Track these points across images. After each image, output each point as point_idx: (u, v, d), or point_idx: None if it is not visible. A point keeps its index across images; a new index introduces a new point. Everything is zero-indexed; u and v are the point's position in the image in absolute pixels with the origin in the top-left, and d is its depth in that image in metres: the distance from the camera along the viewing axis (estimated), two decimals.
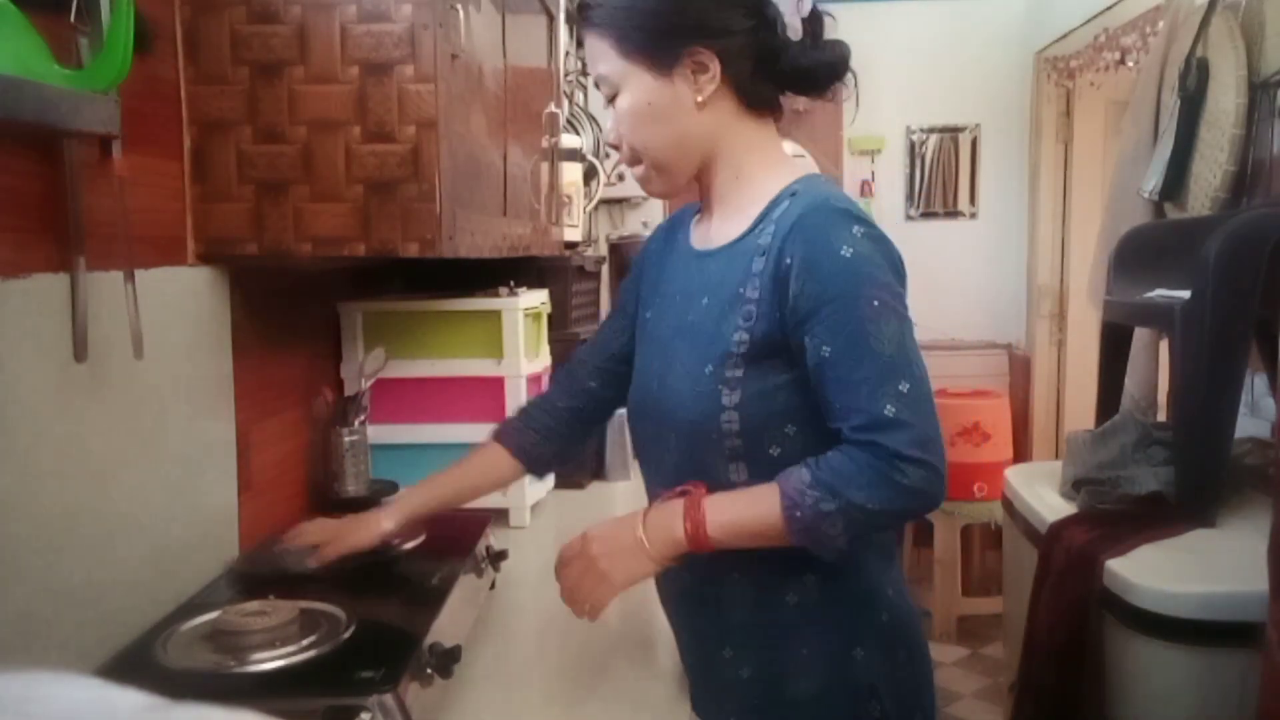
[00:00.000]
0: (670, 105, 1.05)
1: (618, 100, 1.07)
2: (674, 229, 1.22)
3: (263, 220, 1.32)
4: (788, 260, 0.98)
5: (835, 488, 0.94)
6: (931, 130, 4.21)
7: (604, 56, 1.07)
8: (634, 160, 1.11)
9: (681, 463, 1.07)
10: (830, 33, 1.08)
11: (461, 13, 1.37)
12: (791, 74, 1.06)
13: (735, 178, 1.09)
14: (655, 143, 1.08)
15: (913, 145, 4.22)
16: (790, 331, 0.99)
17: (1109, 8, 3.18)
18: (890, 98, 4.16)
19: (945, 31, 4.10)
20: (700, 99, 1.04)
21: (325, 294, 1.82)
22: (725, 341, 1.02)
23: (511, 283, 1.91)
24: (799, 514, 0.95)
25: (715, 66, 1.04)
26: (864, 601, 1.07)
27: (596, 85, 1.10)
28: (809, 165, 1.18)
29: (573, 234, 2.51)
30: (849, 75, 1.09)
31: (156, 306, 1.18)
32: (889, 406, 0.94)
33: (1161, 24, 2.67)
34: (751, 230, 1.05)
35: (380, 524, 1.26)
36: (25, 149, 0.99)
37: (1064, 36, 3.62)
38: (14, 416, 0.96)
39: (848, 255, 0.97)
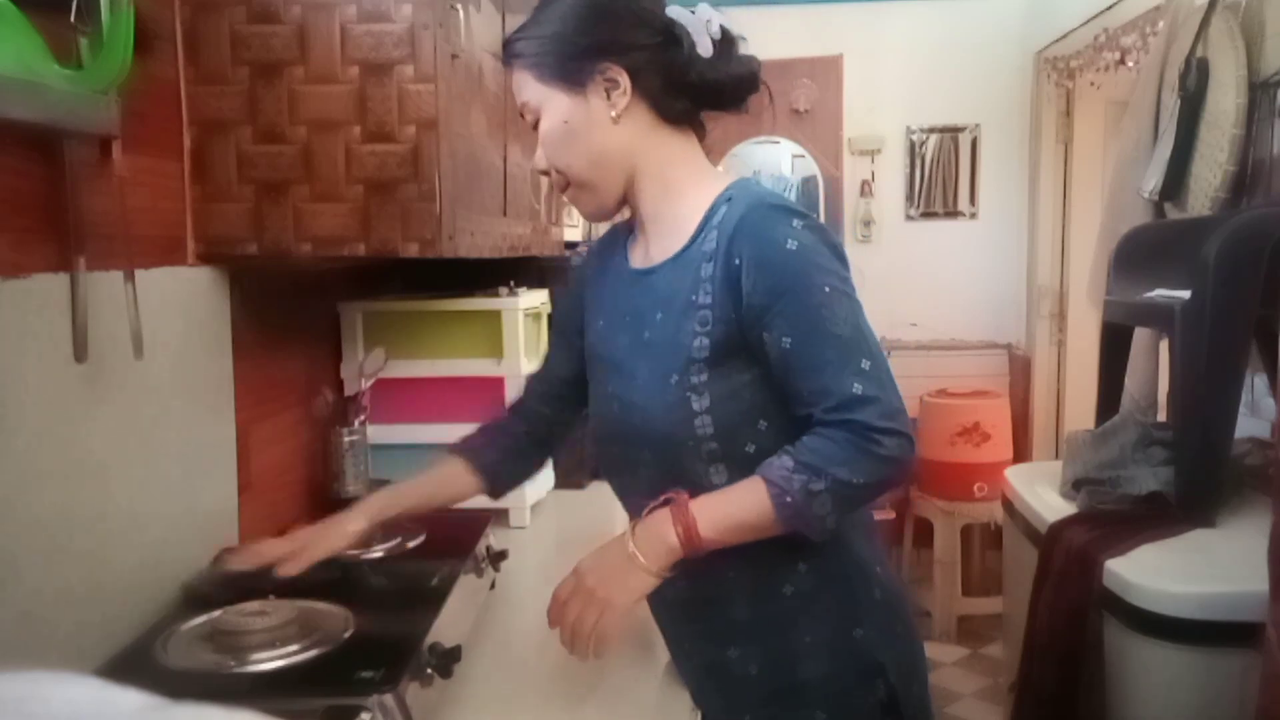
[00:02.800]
0: (585, 122, 1.08)
1: (540, 124, 1.11)
2: (606, 252, 1.24)
3: (263, 220, 1.32)
4: (736, 261, 1.02)
5: (819, 468, 0.98)
6: (931, 130, 4.20)
7: (525, 85, 1.11)
8: (563, 184, 1.14)
9: (660, 476, 1.08)
10: (747, 49, 1.12)
11: (461, 13, 1.37)
12: (700, 87, 1.09)
13: (663, 192, 1.12)
14: (576, 161, 1.11)
15: (913, 145, 4.22)
16: (748, 329, 1.02)
17: (1109, 8, 3.18)
18: (890, 98, 4.16)
19: (945, 31, 4.09)
20: (614, 114, 1.08)
21: (325, 294, 1.82)
22: (685, 349, 1.04)
23: (511, 283, 1.91)
24: (789, 499, 0.98)
25: (625, 81, 1.07)
26: (856, 581, 1.11)
27: (521, 115, 1.14)
28: (722, 172, 1.20)
29: (573, 234, 2.52)
30: (764, 89, 1.13)
31: (156, 306, 1.18)
32: (855, 384, 0.98)
33: (1161, 24, 2.67)
34: (694, 241, 1.08)
35: (348, 527, 1.21)
36: (25, 149, 0.99)
37: (1064, 36, 3.62)
38: (14, 416, 0.96)
39: (793, 248, 1.01)
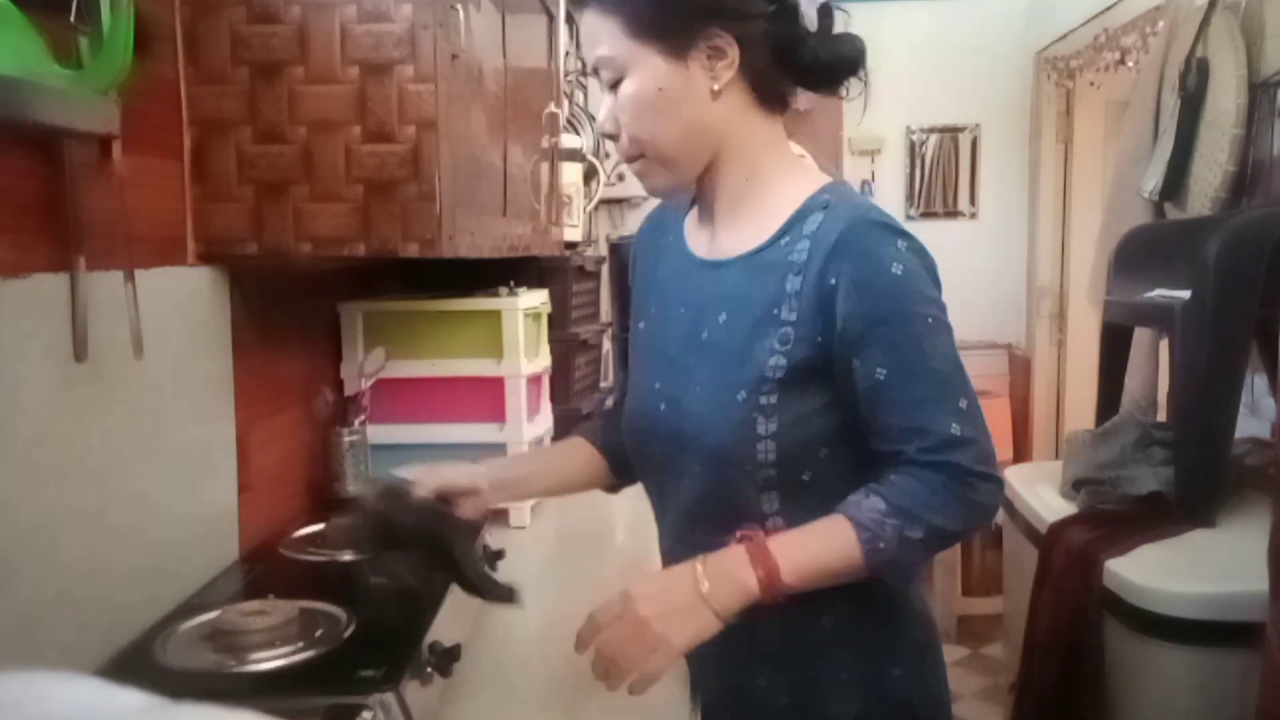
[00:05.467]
0: (682, 93, 0.97)
1: (623, 86, 0.98)
2: (657, 232, 1.16)
3: (263, 220, 1.32)
4: (832, 280, 0.93)
5: (915, 513, 0.91)
6: (931, 130, 4.21)
7: (609, 37, 0.97)
8: (635, 153, 1.02)
9: (707, 492, 1.01)
10: (839, 28, 1.04)
11: (461, 13, 1.37)
12: (811, 66, 1.00)
13: (746, 180, 1.03)
14: (663, 133, 0.99)
15: (913, 145, 4.22)
16: (836, 355, 0.94)
17: (1109, 8, 3.18)
18: (890, 98, 4.15)
19: (945, 31, 4.09)
20: (716, 87, 0.97)
21: (325, 294, 1.82)
22: (759, 366, 0.96)
23: (511, 283, 1.91)
24: (882, 545, 0.91)
25: (734, 53, 0.96)
26: (897, 618, 1.04)
27: (594, 70, 1.01)
28: (812, 166, 1.14)
29: (573, 234, 2.51)
30: (862, 73, 1.03)
31: (156, 306, 1.18)
32: (954, 425, 0.92)
33: (1161, 24, 2.67)
34: (775, 242, 0.99)
35: (476, 470, 1.15)
36: (25, 149, 0.99)
37: (1064, 36, 3.62)
38: (14, 416, 0.96)
39: (898, 272, 0.93)
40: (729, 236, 1.04)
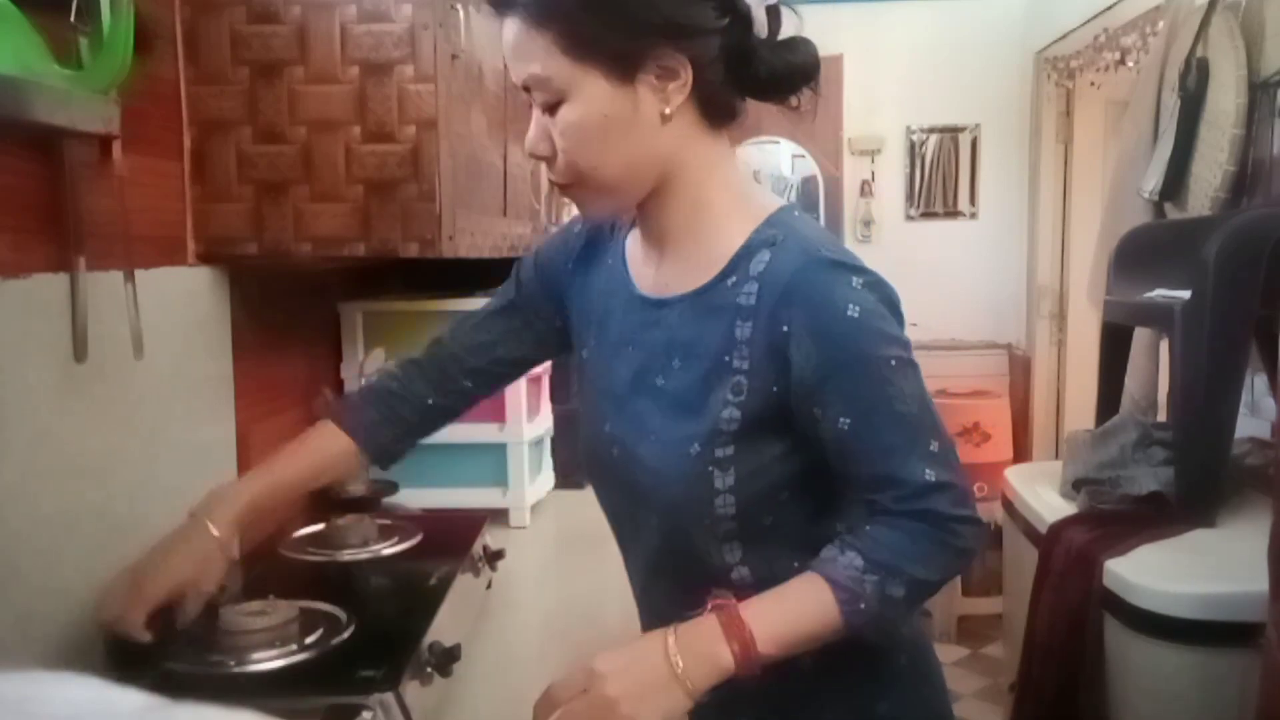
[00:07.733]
0: (630, 118, 0.89)
1: (562, 110, 0.89)
2: (589, 255, 1.07)
3: (263, 220, 1.32)
4: (784, 328, 0.87)
5: (896, 567, 0.86)
6: (931, 130, 4.20)
7: (543, 54, 0.87)
8: (574, 180, 0.93)
9: (666, 545, 0.97)
10: (790, 31, 0.94)
11: (461, 13, 1.37)
12: (764, 79, 0.92)
13: (693, 208, 0.94)
14: (609, 162, 0.90)
15: (913, 145, 4.22)
16: (796, 405, 0.89)
17: (1109, 8, 3.18)
18: (890, 98, 4.16)
19: (945, 31, 4.09)
20: (667, 111, 0.89)
21: (325, 294, 1.82)
22: (712, 418, 0.90)
23: None
24: (863, 605, 0.86)
25: (687, 73, 0.88)
26: (881, 650, 0.97)
27: (523, 88, 0.91)
28: (759, 190, 1.01)
29: None
30: (814, 82, 0.95)
31: (156, 306, 1.18)
32: (927, 470, 0.87)
33: (1161, 24, 2.67)
34: (721, 281, 0.92)
35: (220, 549, 0.98)
36: (25, 149, 0.99)
37: (1064, 36, 3.62)
38: (14, 416, 0.96)
39: (855, 315, 0.86)
40: (674, 271, 0.97)
